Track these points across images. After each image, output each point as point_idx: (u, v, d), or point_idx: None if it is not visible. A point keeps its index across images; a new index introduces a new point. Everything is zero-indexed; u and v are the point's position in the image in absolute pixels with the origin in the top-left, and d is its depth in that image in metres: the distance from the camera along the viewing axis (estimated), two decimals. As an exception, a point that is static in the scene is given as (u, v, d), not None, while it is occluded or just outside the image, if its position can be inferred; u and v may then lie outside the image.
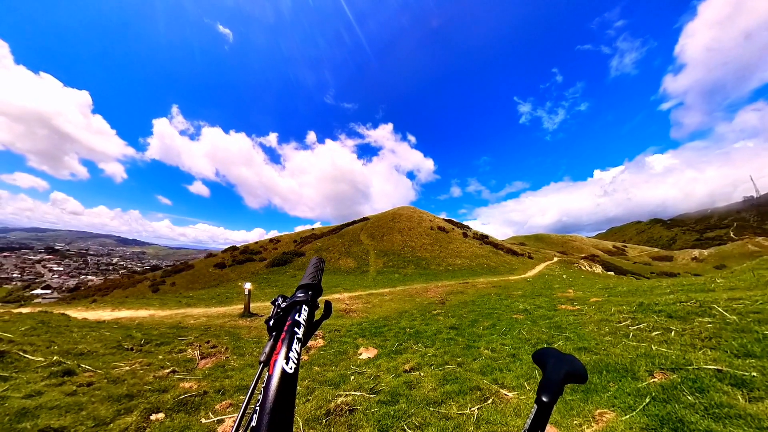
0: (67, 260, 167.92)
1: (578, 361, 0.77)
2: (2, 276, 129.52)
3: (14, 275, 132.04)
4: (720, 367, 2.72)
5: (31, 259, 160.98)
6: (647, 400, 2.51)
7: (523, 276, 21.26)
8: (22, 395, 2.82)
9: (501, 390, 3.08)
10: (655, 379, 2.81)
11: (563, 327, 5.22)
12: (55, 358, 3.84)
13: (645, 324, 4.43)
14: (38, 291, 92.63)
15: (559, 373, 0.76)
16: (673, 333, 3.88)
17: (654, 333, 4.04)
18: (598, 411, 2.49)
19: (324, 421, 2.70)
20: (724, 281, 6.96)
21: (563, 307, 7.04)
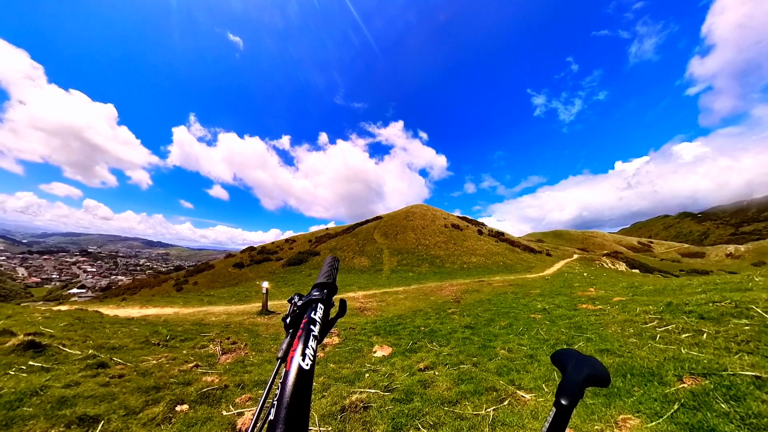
0: (99, 262, 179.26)
1: (600, 364, 0.74)
2: (43, 277, 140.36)
3: (53, 276, 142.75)
4: (759, 374, 2.53)
5: (67, 262, 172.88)
6: (676, 406, 2.38)
7: (541, 274, 20.63)
8: (62, 385, 3.04)
9: (518, 391, 3.02)
10: (685, 385, 2.65)
11: (584, 327, 5.03)
12: (90, 351, 4.11)
13: (673, 325, 4.19)
14: (74, 290, 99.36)
15: (579, 376, 0.74)
16: (705, 335, 3.65)
17: (684, 335, 3.81)
18: (622, 416, 2.39)
19: (339, 417, 2.75)
20: (763, 279, 6.44)
21: (584, 306, 6.78)
